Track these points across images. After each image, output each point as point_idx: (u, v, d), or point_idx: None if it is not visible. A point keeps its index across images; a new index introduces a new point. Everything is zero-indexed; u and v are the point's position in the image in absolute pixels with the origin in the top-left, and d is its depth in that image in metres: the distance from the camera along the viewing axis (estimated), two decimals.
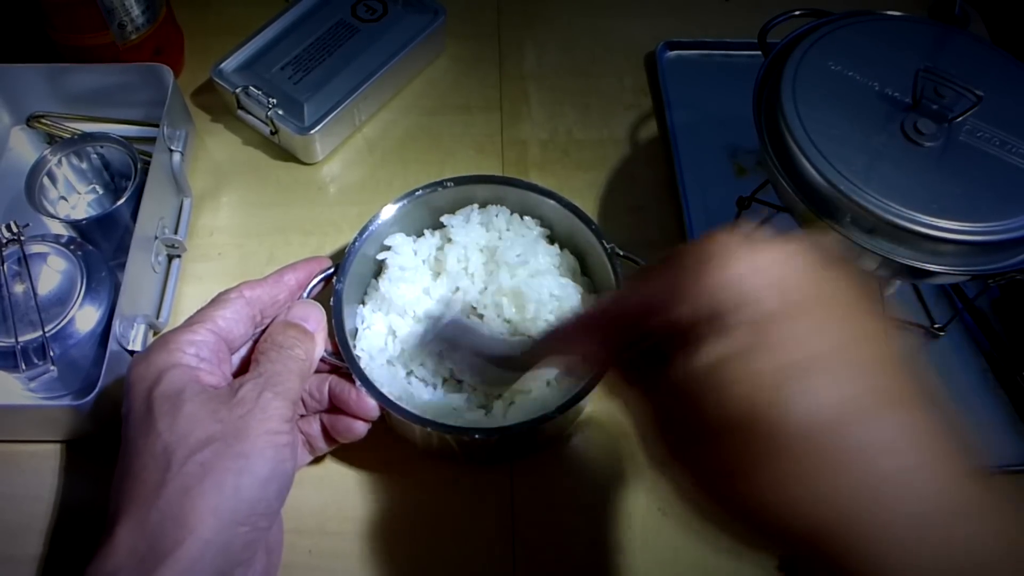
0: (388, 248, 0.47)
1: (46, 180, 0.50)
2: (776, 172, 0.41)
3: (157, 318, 0.49)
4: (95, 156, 0.52)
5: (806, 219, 0.42)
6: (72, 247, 0.45)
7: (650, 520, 0.44)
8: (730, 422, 0.24)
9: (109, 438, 0.39)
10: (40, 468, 0.45)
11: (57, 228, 0.48)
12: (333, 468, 0.45)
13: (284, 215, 0.55)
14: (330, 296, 0.42)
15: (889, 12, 0.47)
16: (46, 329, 0.42)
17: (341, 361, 0.41)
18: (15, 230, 0.44)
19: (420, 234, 0.48)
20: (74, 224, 0.48)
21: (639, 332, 0.28)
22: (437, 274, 0.46)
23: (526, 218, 0.48)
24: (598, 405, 0.47)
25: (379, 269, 0.47)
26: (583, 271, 0.48)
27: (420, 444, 0.45)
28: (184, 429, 0.32)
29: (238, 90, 0.55)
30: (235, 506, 0.32)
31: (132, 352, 0.45)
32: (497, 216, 0.48)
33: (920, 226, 0.38)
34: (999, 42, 0.64)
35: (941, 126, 0.41)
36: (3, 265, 0.44)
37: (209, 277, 0.52)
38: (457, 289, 0.45)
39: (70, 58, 0.55)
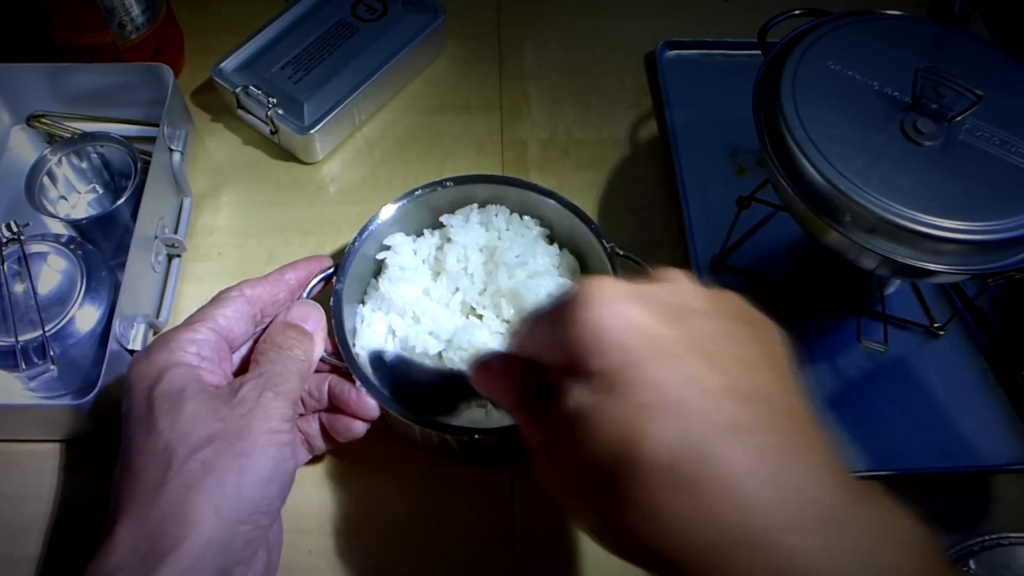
0: (388, 248, 0.46)
1: (46, 180, 0.50)
2: (776, 172, 0.41)
3: (157, 318, 0.49)
4: (95, 156, 0.52)
5: (806, 219, 0.42)
6: (72, 247, 0.45)
7: None
8: (595, 462, 0.25)
9: (109, 438, 0.39)
10: (40, 468, 0.45)
11: (57, 228, 0.48)
12: (333, 468, 0.45)
13: (284, 215, 0.55)
14: (330, 296, 0.42)
15: (889, 12, 0.47)
16: (46, 328, 0.42)
17: (341, 361, 0.41)
18: (15, 229, 0.44)
19: (420, 234, 0.48)
20: (74, 224, 0.48)
21: (531, 375, 0.31)
22: (437, 274, 0.46)
23: (525, 218, 0.48)
24: None
25: (379, 269, 0.47)
26: (583, 271, 0.48)
27: (420, 444, 0.45)
28: (185, 428, 0.32)
29: (238, 90, 0.55)
30: (237, 504, 0.32)
31: (132, 352, 0.45)
32: (497, 216, 0.48)
33: (920, 225, 0.38)
34: (999, 42, 0.64)
35: (941, 125, 0.41)
36: (3, 264, 0.44)
37: (209, 277, 0.52)
38: (457, 289, 0.45)
39: (70, 58, 0.55)
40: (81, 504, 0.44)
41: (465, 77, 0.63)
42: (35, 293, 0.43)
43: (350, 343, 0.42)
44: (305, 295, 0.42)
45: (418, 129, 0.60)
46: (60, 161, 0.50)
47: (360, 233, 0.45)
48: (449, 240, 0.47)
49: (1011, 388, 0.49)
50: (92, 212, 0.52)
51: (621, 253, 0.44)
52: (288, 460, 0.34)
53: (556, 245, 0.48)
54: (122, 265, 0.46)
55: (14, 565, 0.42)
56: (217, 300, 0.38)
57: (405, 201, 0.47)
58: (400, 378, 0.44)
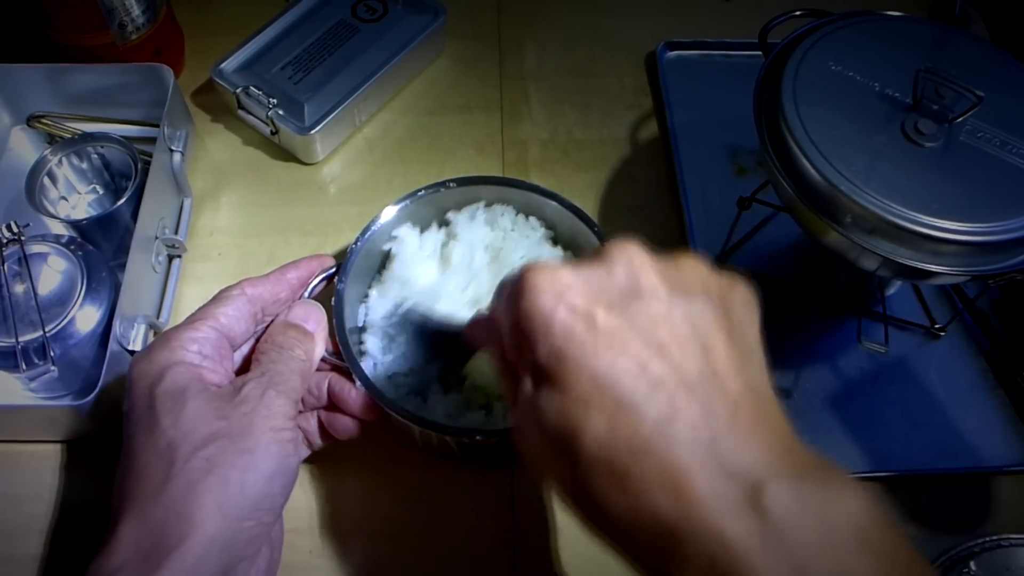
0: (395, 238, 0.47)
1: (46, 180, 0.50)
2: (776, 172, 0.41)
3: (157, 318, 0.49)
4: (95, 156, 0.52)
5: (807, 219, 0.42)
6: (72, 247, 0.45)
7: None
8: (548, 447, 0.26)
9: (109, 438, 0.39)
10: (40, 468, 0.45)
11: (57, 228, 0.48)
12: (333, 468, 0.45)
13: (284, 215, 0.55)
14: (331, 296, 0.42)
15: (889, 12, 0.47)
16: (46, 329, 0.42)
17: (342, 361, 0.41)
18: (15, 230, 0.44)
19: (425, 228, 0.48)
20: (74, 224, 0.48)
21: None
22: (443, 270, 0.46)
23: (531, 219, 0.48)
24: None
25: (383, 265, 0.48)
26: None
27: (420, 445, 0.45)
28: (188, 426, 0.32)
29: (238, 90, 0.55)
30: (240, 501, 0.32)
31: (132, 352, 0.45)
32: (503, 215, 0.48)
33: (920, 226, 0.38)
34: (999, 42, 0.64)
35: (941, 126, 0.41)
36: (3, 265, 0.44)
37: (209, 277, 0.52)
38: (468, 285, 0.46)
39: (70, 58, 0.55)
40: (82, 504, 0.44)
41: (465, 77, 0.63)
42: (35, 294, 0.43)
43: (351, 342, 0.42)
44: (307, 294, 0.42)
45: (418, 129, 0.60)
46: (60, 162, 0.50)
47: (362, 234, 0.45)
48: (455, 237, 0.47)
49: (1012, 389, 0.49)
50: (92, 213, 0.52)
51: None
52: (291, 457, 0.34)
53: (560, 247, 0.48)
54: (122, 266, 0.46)
55: (14, 565, 0.42)
56: (218, 299, 0.38)
57: (407, 202, 0.47)
58: (412, 331, 0.44)
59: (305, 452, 0.42)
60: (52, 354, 0.42)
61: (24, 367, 0.42)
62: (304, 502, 0.43)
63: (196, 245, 0.54)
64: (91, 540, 0.32)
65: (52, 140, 0.55)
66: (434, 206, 0.48)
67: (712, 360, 0.26)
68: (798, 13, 0.48)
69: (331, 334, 0.41)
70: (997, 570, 0.38)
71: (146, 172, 0.49)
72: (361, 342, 0.46)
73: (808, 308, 0.52)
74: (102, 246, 0.49)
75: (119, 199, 0.48)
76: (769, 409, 0.26)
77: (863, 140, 0.41)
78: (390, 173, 0.57)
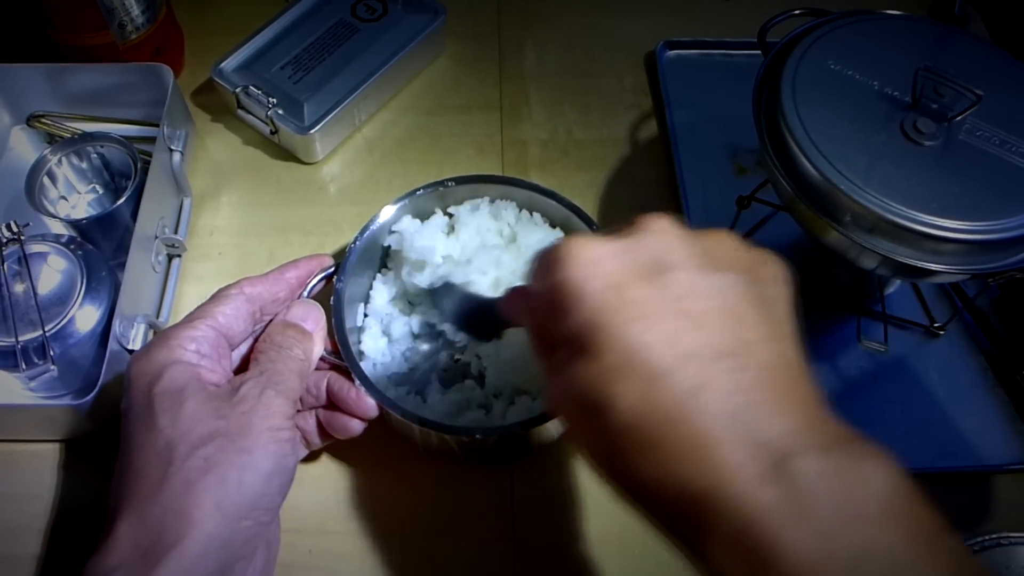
0: (396, 233, 0.47)
1: (46, 180, 0.50)
2: (776, 171, 0.41)
3: (157, 318, 0.49)
4: (95, 156, 0.52)
5: (806, 218, 0.42)
6: (72, 247, 0.45)
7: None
8: (580, 415, 0.27)
9: (109, 437, 0.39)
10: (40, 467, 0.45)
11: (57, 228, 0.48)
12: (333, 468, 0.45)
13: (284, 215, 0.55)
14: (330, 295, 0.42)
15: (889, 12, 0.47)
16: (46, 328, 0.42)
17: (341, 360, 0.41)
18: (15, 230, 0.44)
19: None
20: (74, 224, 0.48)
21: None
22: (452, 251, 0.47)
23: (535, 214, 0.48)
24: None
25: (382, 264, 0.48)
26: None
27: (420, 444, 0.45)
28: (186, 425, 0.32)
29: (238, 90, 0.55)
30: (238, 501, 0.32)
31: (132, 352, 0.45)
32: (506, 210, 0.48)
33: (920, 225, 0.38)
34: (999, 42, 0.64)
35: (941, 125, 0.41)
36: (3, 264, 0.44)
37: (209, 277, 0.52)
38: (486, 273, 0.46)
39: (70, 58, 0.55)
40: (81, 504, 0.44)
41: (465, 77, 0.63)
42: (35, 293, 0.43)
43: (350, 342, 0.42)
44: (305, 294, 0.42)
45: (418, 129, 0.60)
46: (60, 161, 0.50)
47: (360, 233, 0.45)
48: (461, 224, 0.47)
49: (1011, 388, 0.49)
50: (92, 212, 0.52)
51: None
52: (289, 457, 0.34)
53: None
54: (122, 265, 0.46)
55: (14, 565, 0.42)
56: (216, 298, 0.38)
57: (406, 201, 0.47)
58: (443, 301, 0.45)
59: (303, 452, 0.42)
60: (52, 353, 0.42)
61: (24, 366, 0.42)
62: (304, 502, 0.43)
63: (196, 245, 0.54)
64: (90, 539, 0.32)
65: (52, 140, 0.55)
66: (433, 205, 0.48)
67: (742, 332, 0.26)
68: (797, 12, 0.48)
69: (330, 333, 0.41)
70: (997, 568, 0.38)
71: (146, 172, 0.49)
72: (360, 341, 0.46)
73: (808, 307, 0.52)
74: (102, 246, 0.49)
75: (119, 199, 0.48)
76: (800, 380, 0.26)
77: (863, 139, 0.41)
78: (390, 173, 0.58)
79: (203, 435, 0.32)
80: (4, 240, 0.44)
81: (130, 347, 0.45)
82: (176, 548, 0.30)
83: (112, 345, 0.43)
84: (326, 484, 0.45)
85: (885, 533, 0.23)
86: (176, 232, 0.52)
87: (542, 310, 0.29)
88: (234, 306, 0.38)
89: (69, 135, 0.53)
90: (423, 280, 0.45)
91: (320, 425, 0.41)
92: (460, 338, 0.46)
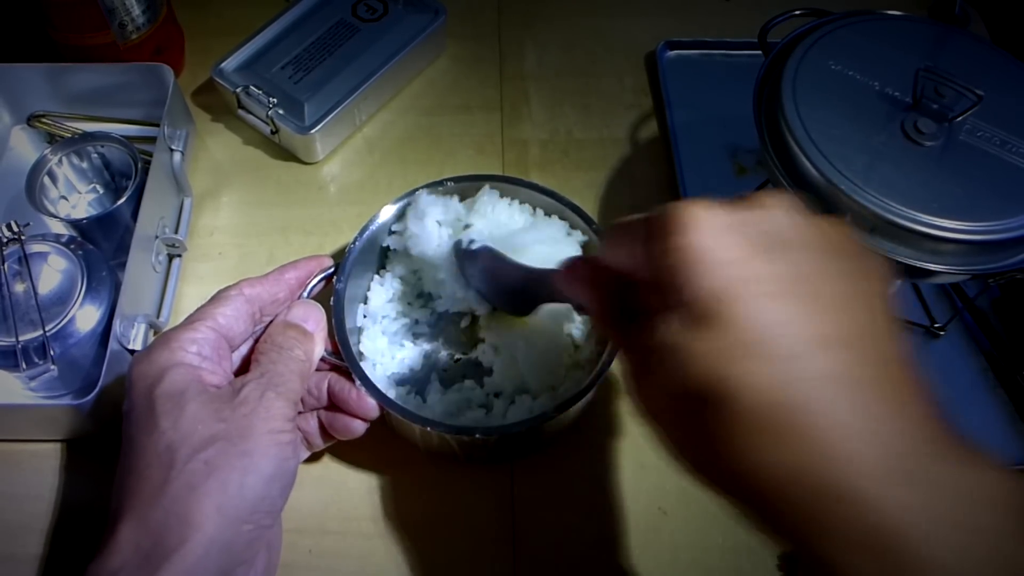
0: (395, 233, 0.47)
1: (47, 179, 0.50)
2: (776, 171, 0.41)
3: (158, 318, 0.49)
4: (95, 156, 0.52)
5: None
6: (72, 246, 0.45)
7: (650, 520, 0.44)
8: (683, 394, 0.25)
9: (109, 437, 0.39)
10: (40, 467, 0.45)
11: (58, 227, 0.48)
12: (333, 468, 0.45)
13: (284, 215, 0.55)
14: (330, 296, 0.42)
15: (889, 12, 0.47)
16: (46, 328, 0.42)
17: (341, 360, 0.41)
18: (15, 229, 0.44)
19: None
20: (74, 223, 0.48)
21: (618, 289, 0.29)
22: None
23: (537, 210, 0.48)
24: (599, 405, 0.47)
25: (382, 265, 0.48)
26: None
27: (420, 443, 0.45)
28: (187, 428, 0.32)
29: (238, 90, 0.55)
30: (240, 504, 0.32)
31: (132, 352, 0.45)
32: (511, 204, 0.47)
33: (920, 225, 0.38)
34: (999, 42, 0.64)
35: (941, 126, 0.41)
36: (4, 264, 0.44)
37: (209, 277, 0.52)
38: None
39: (70, 58, 0.56)
40: (82, 504, 0.44)
41: (465, 78, 0.63)
42: (35, 293, 0.43)
43: (351, 342, 0.42)
44: (305, 294, 0.42)
45: (418, 129, 0.60)
46: (60, 161, 0.50)
47: (360, 233, 0.45)
48: (475, 209, 0.46)
49: (1011, 388, 0.49)
50: (92, 212, 0.52)
51: None
52: (290, 460, 0.34)
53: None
54: (122, 265, 0.46)
55: (15, 565, 0.42)
56: (216, 299, 0.38)
57: (405, 201, 0.47)
58: (480, 275, 0.43)
59: (304, 454, 0.42)
60: (52, 353, 0.42)
61: (24, 366, 0.42)
62: (304, 502, 0.43)
63: (196, 244, 0.54)
64: (91, 539, 0.32)
65: (52, 139, 0.55)
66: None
67: (871, 322, 0.25)
68: (798, 12, 0.48)
69: (330, 334, 0.41)
70: None
71: (146, 171, 0.49)
72: (359, 342, 0.46)
73: None
74: (102, 245, 0.49)
75: (119, 199, 0.48)
76: (915, 380, 0.25)
77: (863, 139, 0.41)
78: (390, 173, 0.58)
79: (204, 438, 0.32)
80: (4, 240, 0.44)
81: (130, 347, 0.45)
82: (178, 551, 0.30)
83: (112, 345, 0.43)
84: (326, 484, 0.45)
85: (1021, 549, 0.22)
86: (176, 232, 0.52)
87: (643, 277, 0.27)
88: (234, 307, 0.37)
89: (69, 135, 0.53)
90: (390, 293, 0.45)
91: (322, 426, 0.41)
92: (482, 308, 0.44)
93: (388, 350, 0.46)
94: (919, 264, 0.39)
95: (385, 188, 0.57)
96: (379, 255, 0.48)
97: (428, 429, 0.39)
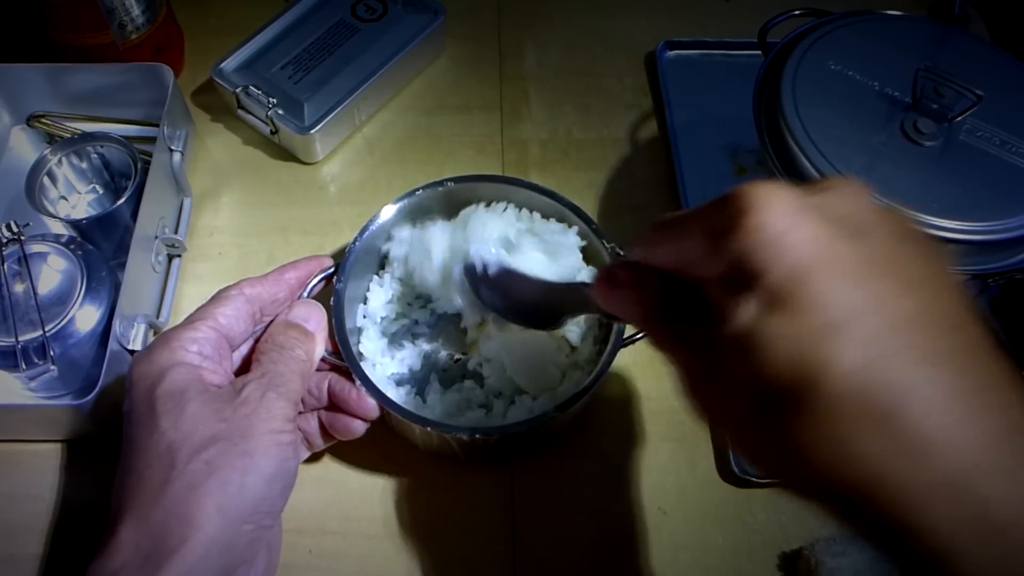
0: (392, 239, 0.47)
1: (46, 180, 0.50)
2: (776, 171, 0.41)
3: (157, 318, 0.49)
4: (95, 156, 0.52)
5: None
6: (72, 247, 0.45)
7: (650, 520, 0.44)
8: (764, 385, 0.23)
9: (110, 438, 0.39)
10: (41, 467, 0.45)
11: (57, 228, 0.48)
12: (333, 468, 0.45)
13: (284, 215, 0.55)
14: (330, 296, 0.42)
15: (889, 12, 0.47)
16: (46, 328, 0.42)
17: (341, 361, 0.41)
18: (15, 230, 0.44)
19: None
20: (74, 224, 0.48)
21: (671, 286, 0.28)
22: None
23: (534, 213, 0.48)
24: (600, 404, 0.47)
25: (381, 266, 0.48)
26: None
27: (420, 443, 0.45)
28: (188, 428, 0.32)
29: (238, 90, 0.55)
30: (240, 504, 0.32)
31: (132, 352, 0.45)
32: (505, 210, 0.47)
33: (920, 225, 0.38)
34: (999, 42, 0.64)
35: (941, 126, 0.41)
36: (3, 265, 0.44)
37: (209, 277, 0.52)
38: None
39: (70, 58, 0.55)
40: (82, 504, 0.44)
41: (465, 78, 0.63)
42: (35, 293, 0.43)
43: (351, 342, 0.42)
44: (305, 294, 0.42)
45: (418, 129, 0.60)
46: (60, 161, 0.50)
47: (360, 233, 0.45)
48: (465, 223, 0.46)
49: None
50: (92, 212, 0.52)
51: (621, 253, 0.44)
52: (290, 460, 0.34)
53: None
54: (122, 265, 0.46)
55: (15, 565, 0.42)
56: (216, 299, 0.38)
57: (405, 201, 0.46)
58: (499, 296, 0.42)
59: (305, 454, 0.42)
60: (52, 353, 0.42)
61: (24, 366, 0.42)
62: (304, 502, 0.43)
63: (196, 245, 0.54)
64: (91, 539, 0.32)
65: (52, 140, 0.55)
66: (432, 206, 0.48)
67: (952, 303, 0.24)
68: (798, 12, 0.48)
69: (330, 334, 0.41)
70: None
71: (146, 172, 0.49)
72: (359, 343, 0.46)
73: None
74: (102, 246, 0.49)
75: (119, 199, 0.48)
76: (1003, 368, 0.24)
77: (863, 139, 0.41)
78: (390, 173, 0.58)
79: (205, 438, 0.32)
80: (4, 240, 0.44)
81: (130, 347, 0.45)
82: (179, 551, 0.30)
83: (112, 345, 0.43)
84: (326, 484, 0.45)
85: None
86: (176, 232, 0.52)
87: (708, 268, 0.25)
88: (234, 307, 0.38)
89: (69, 135, 0.53)
90: (389, 295, 0.45)
91: (322, 426, 0.41)
92: (501, 327, 0.43)
93: (388, 350, 0.46)
94: None
95: (385, 188, 0.56)
96: (379, 256, 0.48)
97: (428, 429, 0.39)
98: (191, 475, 0.31)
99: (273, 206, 0.56)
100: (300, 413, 0.42)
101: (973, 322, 0.24)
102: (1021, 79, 0.44)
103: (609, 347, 0.41)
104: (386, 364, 0.46)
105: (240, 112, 0.57)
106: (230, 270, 0.53)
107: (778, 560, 0.43)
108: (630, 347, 0.42)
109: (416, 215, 0.47)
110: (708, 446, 0.46)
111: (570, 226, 0.47)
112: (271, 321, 0.40)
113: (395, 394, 0.44)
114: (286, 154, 0.58)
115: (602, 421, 0.47)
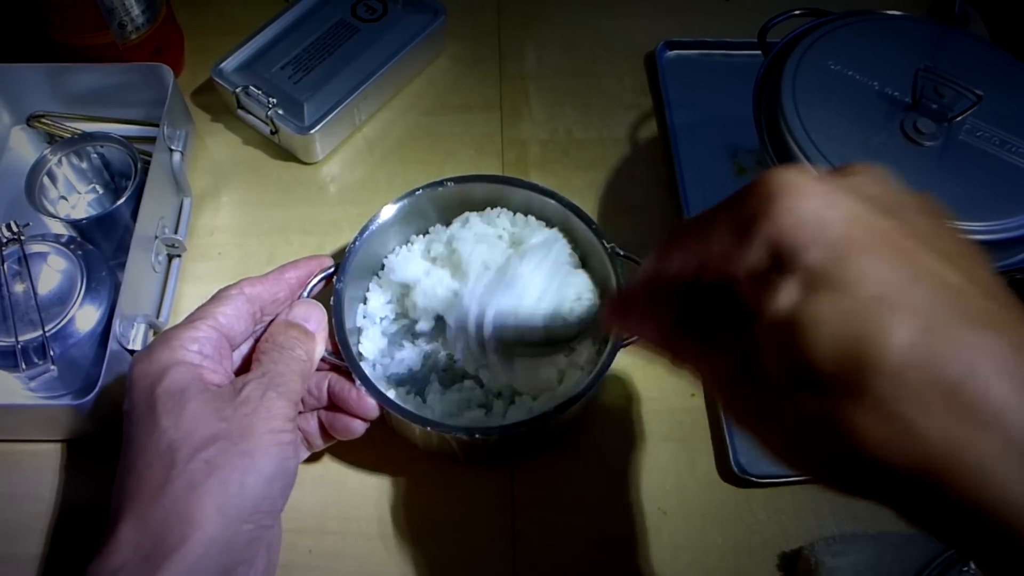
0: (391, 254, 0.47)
1: (46, 180, 0.50)
2: None
3: (157, 318, 0.49)
4: (95, 156, 0.52)
5: None
6: (72, 247, 0.45)
7: (650, 520, 0.44)
8: (815, 369, 0.22)
9: (109, 438, 0.39)
10: (40, 467, 0.45)
11: (57, 228, 0.48)
12: (333, 468, 0.45)
13: (284, 215, 0.55)
14: (330, 295, 0.42)
15: (889, 12, 0.47)
16: (46, 328, 0.42)
17: (341, 361, 0.41)
18: (15, 230, 0.44)
19: (423, 232, 0.48)
20: (74, 224, 0.48)
21: (691, 292, 0.27)
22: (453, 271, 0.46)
23: (529, 217, 0.48)
24: (600, 404, 0.47)
25: (382, 266, 0.48)
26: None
27: (420, 443, 0.45)
28: (188, 427, 0.32)
29: (238, 90, 0.55)
30: (240, 503, 0.32)
31: (132, 352, 0.45)
32: (499, 216, 0.47)
33: None
34: (999, 42, 0.64)
35: (941, 126, 0.41)
36: (3, 265, 0.44)
37: (209, 277, 0.52)
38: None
39: (70, 58, 0.55)
40: (82, 504, 0.44)
41: (465, 77, 0.63)
42: (35, 293, 0.43)
43: (351, 342, 0.42)
44: (306, 294, 0.42)
45: (418, 129, 0.60)
46: (60, 161, 0.50)
47: (360, 233, 0.45)
48: (456, 242, 0.46)
49: None
50: (92, 212, 0.52)
51: (621, 253, 0.44)
52: (290, 460, 0.34)
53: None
54: (122, 265, 0.46)
55: (15, 565, 0.42)
56: (217, 298, 0.38)
57: (405, 201, 0.47)
58: (501, 346, 0.42)
59: (305, 454, 0.42)
60: (52, 353, 0.42)
61: (24, 366, 0.42)
62: (304, 502, 0.43)
63: (196, 245, 0.54)
64: (91, 539, 0.32)
65: (52, 140, 0.55)
66: (430, 207, 0.48)
67: (990, 276, 0.23)
68: (798, 12, 0.48)
69: (330, 334, 0.41)
70: None
71: (146, 172, 0.49)
72: (359, 343, 0.46)
73: None
74: (102, 246, 0.49)
75: (119, 199, 0.48)
76: None
77: (863, 139, 0.41)
78: (390, 173, 0.58)
79: (205, 437, 0.32)
80: (4, 240, 0.44)
81: (130, 347, 0.45)
82: (178, 551, 0.30)
83: (112, 345, 0.43)
84: (326, 484, 0.45)
85: None
86: (176, 232, 0.52)
87: (734, 264, 0.24)
88: (235, 306, 0.38)
89: (69, 135, 0.53)
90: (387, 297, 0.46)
91: (322, 426, 0.41)
92: (506, 378, 0.43)
93: (388, 350, 0.46)
94: None
95: (385, 188, 0.56)
96: (379, 256, 0.48)
97: (428, 429, 0.39)
98: (191, 474, 0.31)
99: (273, 206, 0.56)
100: (300, 413, 0.42)
101: (1008, 292, 0.23)
102: (1021, 79, 0.44)
103: (609, 348, 0.41)
104: (386, 364, 0.46)
105: (240, 112, 0.57)
106: (230, 270, 0.53)
107: (778, 560, 0.43)
108: (630, 347, 0.42)
109: (414, 219, 0.48)
110: (708, 446, 0.46)
111: (561, 229, 0.47)
112: (271, 321, 0.40)
113: (395, 394, 0.44)
114: (286, 154, 0.58)
115: (602, 421, 0.47)
